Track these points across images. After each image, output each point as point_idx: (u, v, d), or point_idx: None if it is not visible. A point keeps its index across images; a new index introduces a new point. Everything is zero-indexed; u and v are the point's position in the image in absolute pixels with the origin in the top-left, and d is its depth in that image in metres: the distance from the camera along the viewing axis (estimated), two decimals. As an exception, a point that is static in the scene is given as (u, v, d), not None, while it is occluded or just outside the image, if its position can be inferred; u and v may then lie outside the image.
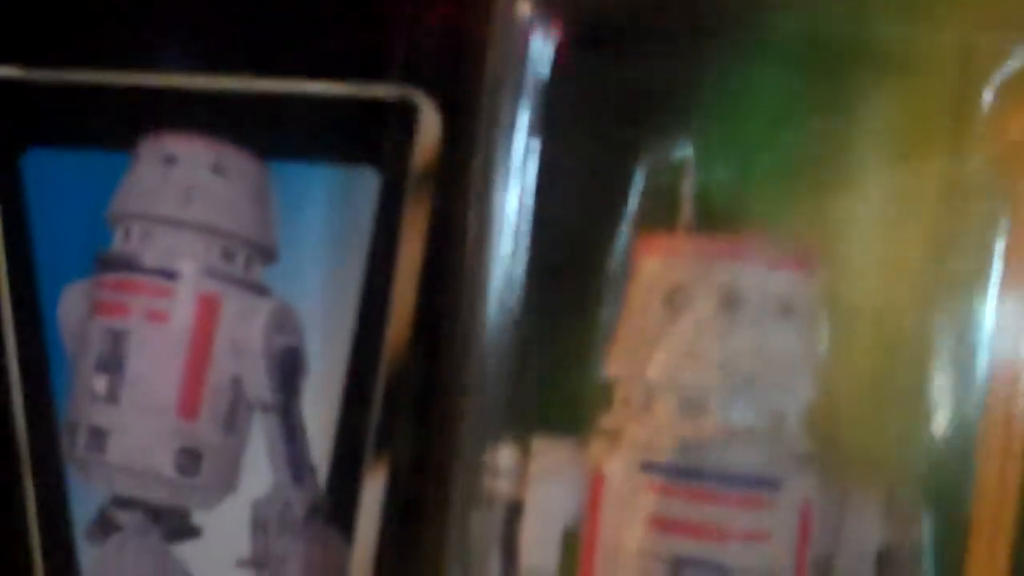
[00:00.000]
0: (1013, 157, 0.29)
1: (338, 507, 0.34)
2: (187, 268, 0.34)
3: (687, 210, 0.31)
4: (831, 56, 0.30)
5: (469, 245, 0.30)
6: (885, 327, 0.30)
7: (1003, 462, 0.29)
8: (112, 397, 0.34)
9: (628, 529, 0.29)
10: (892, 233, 0.30)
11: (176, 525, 0.34)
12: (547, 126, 0.30)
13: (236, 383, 0.34)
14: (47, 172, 0.34)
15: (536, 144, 0.30)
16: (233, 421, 0.34)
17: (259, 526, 0.34)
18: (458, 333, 0.31)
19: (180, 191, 0.33)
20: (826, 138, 0.30)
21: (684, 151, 0.31)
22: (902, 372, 0.30)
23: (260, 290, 0.34)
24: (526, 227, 0.31)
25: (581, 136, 0.30)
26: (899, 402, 0.30)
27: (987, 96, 0.29)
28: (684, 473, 0.29)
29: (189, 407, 0.34)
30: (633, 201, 0.31)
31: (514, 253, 0.30)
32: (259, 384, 0.34)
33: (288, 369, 0.34)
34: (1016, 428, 0.29)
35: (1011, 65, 0.29)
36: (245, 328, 0.34)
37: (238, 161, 0.33)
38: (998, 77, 0.29)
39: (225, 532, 0.34)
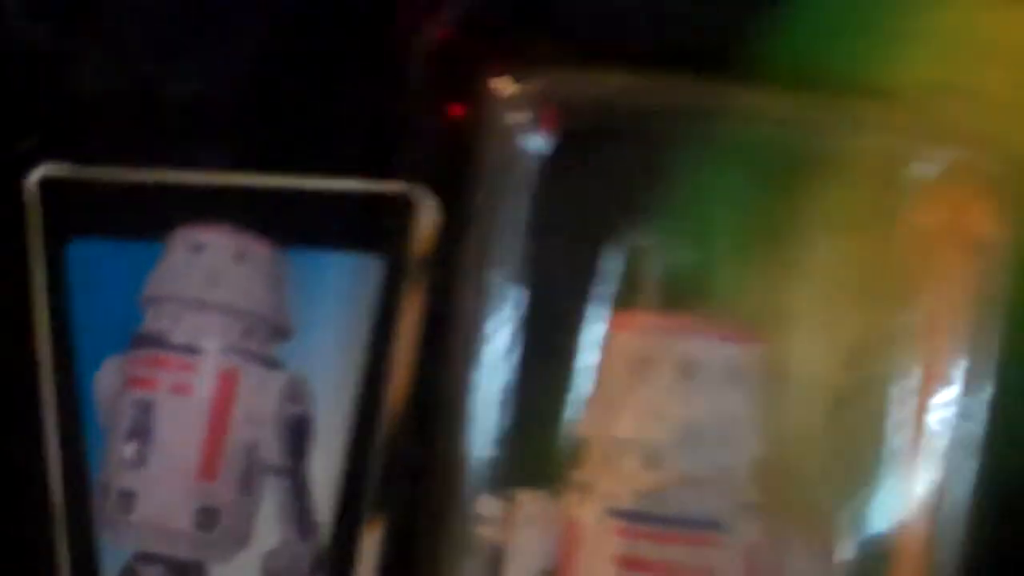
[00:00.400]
0: (926, 246, 0.33)
1: (339, 561, 0.37)
2: (210, 345, 0.38)
3: (649, 290, 0.35)
4: (778, 158, 0.34)
5: (460, 323, 0.35)
6: (824, 392, 0.34)
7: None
8: (140, 462, 0.37)
9: (597, 568, 0.33)
10: (829, 310, 0.34)
11: (195, 577, 0.38)
12: (533, 216, 0.35)
13: (251, 448, 0.38)
14: (89, 260, 0.38)
15: (521, 229, 0.35)
16: (248, 482, 0.38)
17: (269, 577, 0.38)
18: (451, 402, 0.35)
19: (206, 276, 0.38)
20: (771, 228, 0.35)
21: (650, 238, 0.35)
22: (841, 433, 0.34)
23: (274, 364, 0.38)
24: (511, 307, 0.35)
25: (563, 223, 0.35)
26: (837, 458, 0.34)
27: (905, 195, 0.33)
28: (644, 518, 0.33)
29: (209, 470, 0.37)
30: (607, 282, 0.35)
31: (499, 331, 0.35)
32: (272, 449, 0.38)
33: (298, 435, 0.38)
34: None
35: (924, 168, 0.33)
36: (261, 399, 0.38)
37: (257, 249, 0.38)
38: (914, 178, 0.33)
39: (239, 584, 0.38)
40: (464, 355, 0.34)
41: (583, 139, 0.34)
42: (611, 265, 0.35)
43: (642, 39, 0.35)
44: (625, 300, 0.35)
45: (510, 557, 0.34)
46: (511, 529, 0.34)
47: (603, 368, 0.34)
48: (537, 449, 0.35)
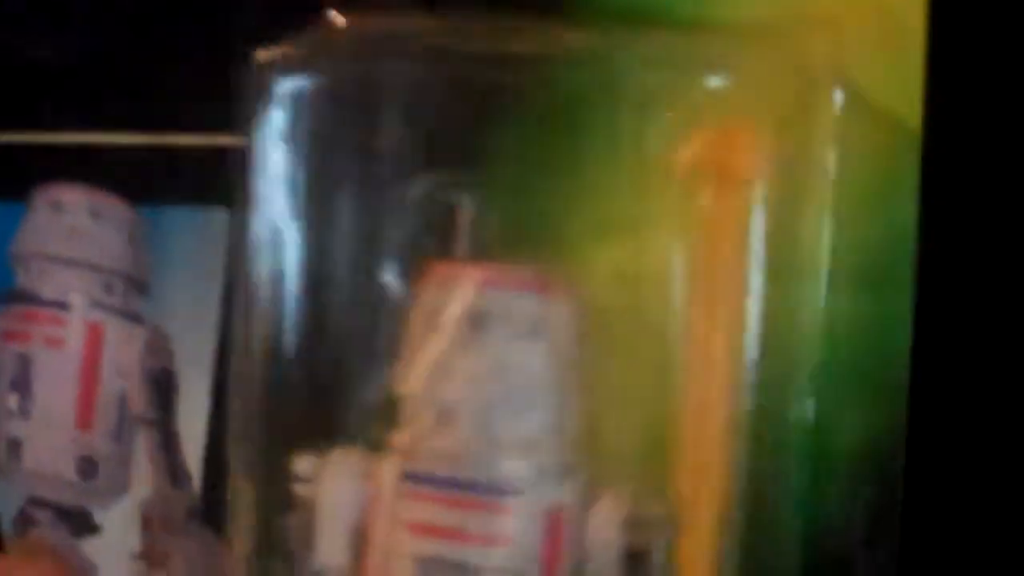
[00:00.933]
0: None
1: (212, 509, 0.38)
2: (76, 300, 0.39)
3: (462, 243, 0.34)
4: (575, 100, 0.33)
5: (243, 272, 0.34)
6: (632, 342, 0.33)
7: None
8: (23, 413, 0.39)
9: (391, 532, 0.33)
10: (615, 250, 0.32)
11: (81, 523, 0.39)
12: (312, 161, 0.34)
13: (121, 400, 0.39)
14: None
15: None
16: (121, 432, 0.39)
17: (146, 525, 0.39)
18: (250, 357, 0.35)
19: (66, 233, 0.39)
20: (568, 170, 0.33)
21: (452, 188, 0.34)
22: (647, 387, 0.33)
23: (136, 318, 0.39)
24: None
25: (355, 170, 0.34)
26: (645, 416, 0.33)
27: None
28: (436, 482, 0.32)
29: (85, 421, 0.39)
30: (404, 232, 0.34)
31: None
32: (140, 401, 0.39)
33: (163, 388, 0.39)
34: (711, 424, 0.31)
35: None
36: (126, 352, 0.39)
37: (112, 206, 0.38)
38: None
39: (120, 529, 0.39)
40: (248, 307, 0.34)
41: (377, 82, 0.33)
42: (414, 214, 0.34)
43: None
44: (432, 251, 0.34)
45: (319, 513, 0.33)
46: (321, 485, 0.33)
47: (410, 324, 0.34)
48: (358, 407, 0.34)
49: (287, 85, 0.33)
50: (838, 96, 0.31)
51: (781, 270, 0.31)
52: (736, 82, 0.31)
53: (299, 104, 0.33)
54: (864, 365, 0.32)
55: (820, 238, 0.31)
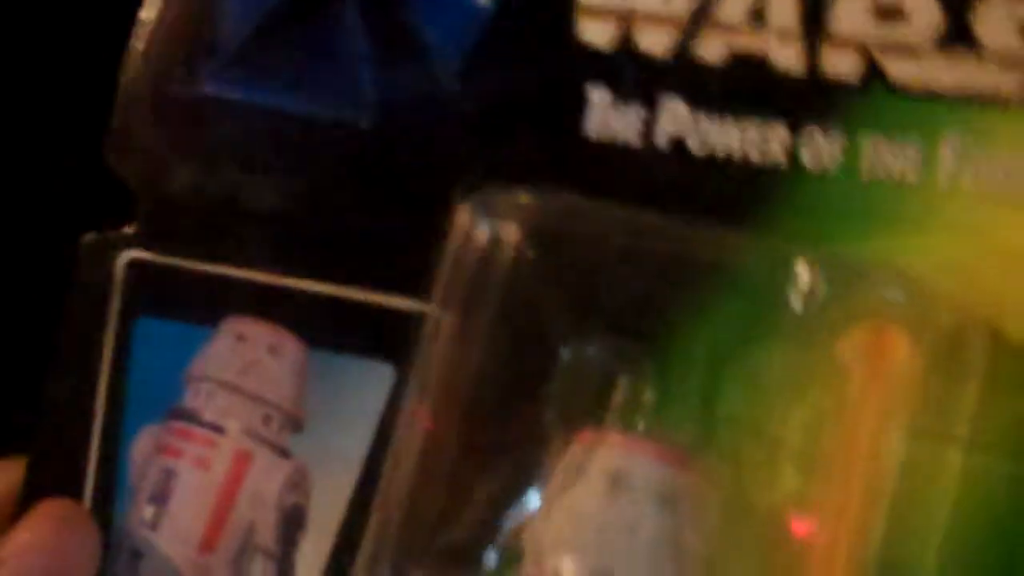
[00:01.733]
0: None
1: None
2: (233, 426, 0.41)
3: (615, 411, 0.36)
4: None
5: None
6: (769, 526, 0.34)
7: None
8: (154, 525, 0.41)
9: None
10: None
11: (182, 644, 0.40)
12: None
13: (249, 529, 0.40)
14: (150, 337, 0.43)
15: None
16: (241, 560, 0.40)
17: (249, 656, 0.40)
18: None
19: (242, 364, 0.41)
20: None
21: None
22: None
23: (284, 452, 0.41)
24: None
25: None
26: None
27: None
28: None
29: (209, 543, 0.40)
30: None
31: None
32: (267, 533, 0.40)
33: (293, 524, 0.40)
34: None
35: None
36: (266, 483, 0.40)
37: (289, 345, 0.41)
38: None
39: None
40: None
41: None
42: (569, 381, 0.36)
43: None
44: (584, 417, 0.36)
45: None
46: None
47: (552, 477, 0.35)
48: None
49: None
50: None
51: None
52: (906, 301, 0.34)
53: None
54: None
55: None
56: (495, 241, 0.37)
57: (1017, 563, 0.33)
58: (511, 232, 0.37)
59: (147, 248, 0.42)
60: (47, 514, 0.39)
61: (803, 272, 0.34)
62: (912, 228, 0.35)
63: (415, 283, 0.39)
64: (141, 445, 0.41)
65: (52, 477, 0.41)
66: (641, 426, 0.35)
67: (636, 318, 0.36)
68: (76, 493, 0.41)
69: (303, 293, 0.40)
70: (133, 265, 0.42)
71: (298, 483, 0.39)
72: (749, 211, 0.35)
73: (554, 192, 0.36)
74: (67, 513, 0.40)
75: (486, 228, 0.37)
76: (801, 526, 0.34)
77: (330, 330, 0.40)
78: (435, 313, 0.37)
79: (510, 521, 0.36)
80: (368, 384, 0.39)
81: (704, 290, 0.35)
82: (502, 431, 0.36)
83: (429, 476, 0.36)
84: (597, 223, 0.36)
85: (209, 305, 0.41)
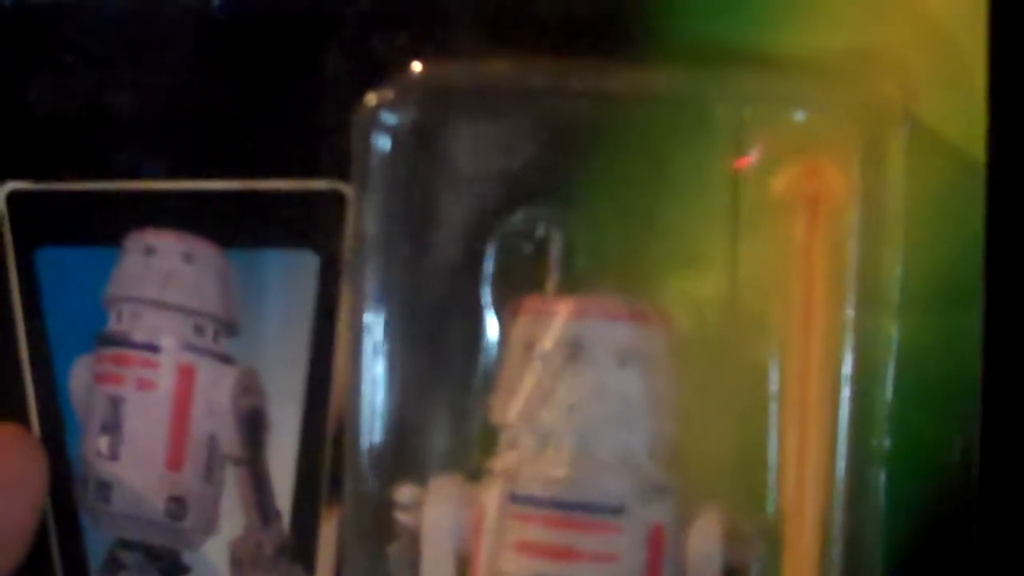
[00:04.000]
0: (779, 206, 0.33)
1: (301, 546, 0.39)
2: (168, 343, 0.40)
3: (553, 277, 0.36)
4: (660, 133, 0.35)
5: (347, 313, 0.36)
6: (726, 366, 0.34)
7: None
8: (113, 455, 0.40)
9: (498, 553, 0.34)
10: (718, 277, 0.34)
11: (170, 563, 0.40)
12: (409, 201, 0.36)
13: (212, 440, 0.40)
14: (55, 266, 0.41)
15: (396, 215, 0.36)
16: (211, 472, 0.40)
17: (236, 564, 0.40)
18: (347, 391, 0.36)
19: (159, 277, 0.40)
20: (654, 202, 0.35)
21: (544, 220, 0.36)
22: (742, 409, 0.34)
23: (226, 359, 0.40)
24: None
25: (445, 208, 0.36)
26: (736, 439, 0.34)
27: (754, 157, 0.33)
28: (542, 503, 0.34)
29: (175, 461, 0.40)
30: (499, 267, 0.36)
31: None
32: (230, 441, 0.40)
33: (253, 427, 0.40)
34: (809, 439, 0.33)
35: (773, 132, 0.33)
36: (216, 393, 0.40)
37: (204, 250, 0.40)
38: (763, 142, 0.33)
39: (209, 569, 0.40)
40: (352, 345, 0.35)
41: (462, 122, 0.35)
42: (502, 250, 0.35)
43: (542, 17, 0.35)
44: (524, 285, 0.35)
45: (424, 539, 0.34)
46: (425, 512, 0.35)
47: (503, 354, 0.35)
48: (453, 437, 0.36)
49: (385, 127, 0.35)
50: (905, 130, 0.33)
51: (864, 297, 0.33)
52: (816, 117, 0.33)
53: (398, 146, 0.35)
54: (937, 388, 0.34)
55: (892, 267, 0.33)
56: (401, 122, 0.35)
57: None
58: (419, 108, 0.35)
59: (22, 177, 0.40)
60: None
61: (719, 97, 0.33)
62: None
63: (311, 165, 0.38)
64: (77, 377, 0.40)
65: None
66: (582, 287, 0.34)
67: (555, 175, 0.35)
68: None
69: (203, 194, 0.39)
70: (14, 197, 0.40)
71: (249, 386, 0.39)
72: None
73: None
74: (9, 433, 0.39)
75: (393, 108, 0.35)
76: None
77: (241, 227, 0.39)
78: (354, 200, 0.35)
79: (473, 409, 0.36)
80: (294, 275, 0.38)
81: (621, 134, 0.34)
82: (445, 314, 0.36)
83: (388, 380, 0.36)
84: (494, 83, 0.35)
85: (107, 224, 0.39)
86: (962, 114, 0.33)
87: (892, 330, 0.33)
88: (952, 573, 0.33)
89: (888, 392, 0.33)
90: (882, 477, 0.33)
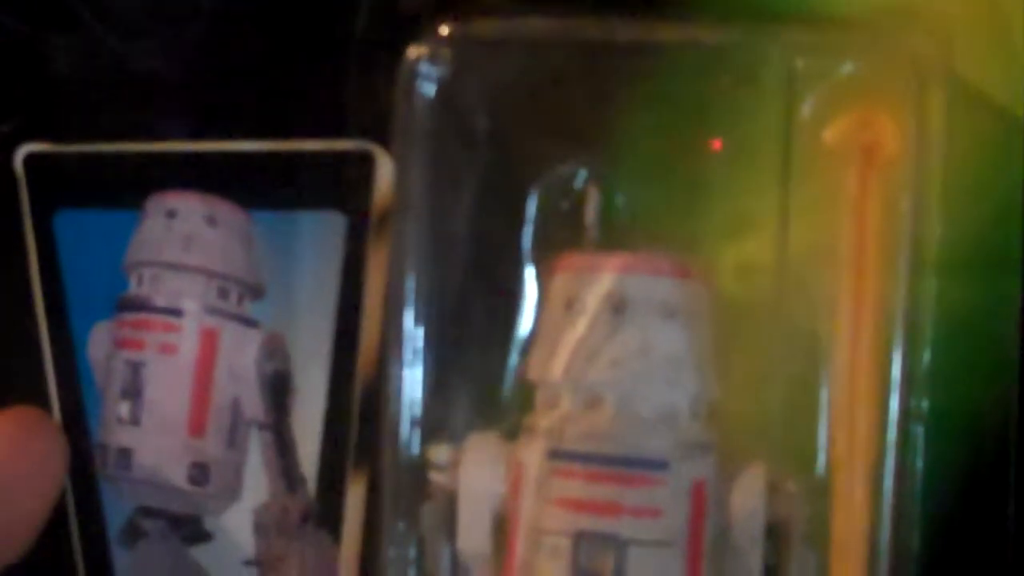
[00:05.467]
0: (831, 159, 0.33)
1: (326, 512, 0.39)
2: (190, 306, 0.39)
3: (591, 231, 0.35)
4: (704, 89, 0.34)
5: (390, 272, 0.35)
6: (769, 323, 0.34)
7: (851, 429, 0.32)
8: (134, 420, 0.39)
9: (540, 510, 0.34)
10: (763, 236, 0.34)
11: (192, 530, 0.40)
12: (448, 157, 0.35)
13: (235, 404, 0.39)
14: (74, 229, 0.40)
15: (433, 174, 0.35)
16: (234, 438, 0.39)
17: (261, 530, 0.39)
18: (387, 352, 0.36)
19: (180, 240, 0.39)
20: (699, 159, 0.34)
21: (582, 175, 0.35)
22: (785, 365, 0.34)
23: (251, 323, 0.39)
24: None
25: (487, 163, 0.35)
26: (787, 398, 0.34)
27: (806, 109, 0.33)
28: (585, 459, 0.33)
29: (197, 426, 0.39)
30: (540, 222, 0.35)
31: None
32: (254, 405, 0.39)
33: (278, 391, 0.39)
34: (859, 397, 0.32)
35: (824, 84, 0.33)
36: (240, 356, 0.39)
37: (227, 212, 0.39)
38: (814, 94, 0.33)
39: (232, 535, 0.39)
40: (393, 303, 0.35)
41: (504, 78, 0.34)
42: (542, 205, 0.35)
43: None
44: (561, 240, 0.35)
45: (461, 499, 0.34)
46: (461, 472, 0.34)
47: (541, 311, 0.35)
48: (488, 396, 0.35)
49: (421, 84, 0.35)
50: (947, 86, 0.33)
51: (914, 256, 0.33)
52: (865, 69, 0.33)
53: (434, 103, 0.34)
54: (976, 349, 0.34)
55: (935, 226, 0.33)
56: (441, 77, 0.35)
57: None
58: (455, 65, 0.35)
59: (41, 139, 0.39)
60: (11, 420, 0.38)
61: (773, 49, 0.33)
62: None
63: (339, 125, 0.37)
64: (97, 343, 0.40)
65: (11, 392, 0.39)
66: (622, 245, 0.34)
67: (599, 130, 0.35)
68: (41, 404, 0.40)
69: (227, 155, 0.38)
70: (32, 159, 0.39)
71: (273, 350, 0.38)
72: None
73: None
74: (30, 418, 0.38)
75: (429, 64, 0.35)
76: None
77: (267, 188, 0.38)
78: (397, 157, 0.35)
79: (513, 365, 0.35)
80: (321, 236, 0.38)
81: (667, 87, 0.33)
82: (482, 271, 0.35)
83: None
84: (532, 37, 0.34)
85: (127, 187, 0.39)
86: (1003, 71, 0.33)
87: (934, 290, 0.33)
88: (989, 534, 0.33)
89: (928, 352, 0.33)
90: (922, 435, 0.33)
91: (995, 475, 0.34)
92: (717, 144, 0.33)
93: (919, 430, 0.33)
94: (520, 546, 0.33)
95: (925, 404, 0.33)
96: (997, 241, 0.33)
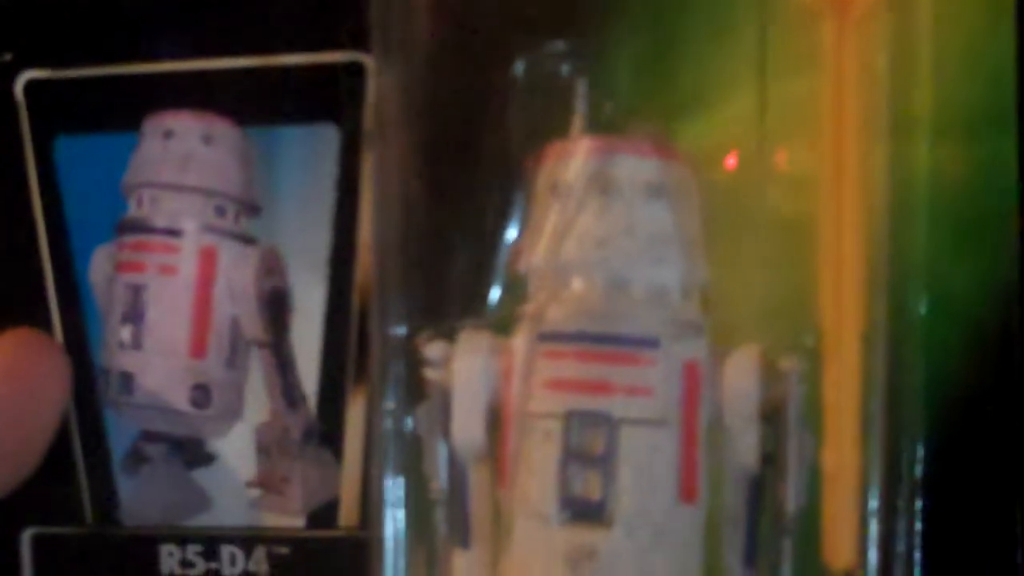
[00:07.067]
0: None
1: (328, 430, 0.38)
2: (189, 226, 0.39)
3: (578, 118, 0.35)
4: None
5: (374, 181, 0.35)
6: (757, 210, 0.33)
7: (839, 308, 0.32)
8: (136, 344, 0.39)
9: (530, 393, 0.33)
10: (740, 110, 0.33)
11: (194, 453, 0.39)
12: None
13: (235, 324, 0.39)
14: (74, 155, 0.40)
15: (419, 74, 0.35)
16: (234, 358, 0.39)
17: (263, 450, 0.39)
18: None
19: (178, 160, 0.39)
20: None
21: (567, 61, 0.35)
22: (775, 246, 0.33)
23: (248, 240, 0.39)
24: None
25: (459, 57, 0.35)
26: (769, 278, 0.33)
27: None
28: (573, 338, 0.33)
29: (198, 347, 0.39)
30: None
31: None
32: (254, 323, 0.39)
33: (277, 308, 0.39)
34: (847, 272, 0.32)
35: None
36: (239, 274, 0.39)
37: (223, 129, 0.39)
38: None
39: (235, 457, 0.39)
40: (378, 204, 0.35)
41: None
42: (525, 96, 0.35)
43: None
44: (545, 134, 0.34)
45: (455, 392, 0.34)
46: (454, 366, 0.34)
47: (528, 204, 0.34)
48: (481, 292, 0.35)
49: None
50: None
51: (897, 124, 0.32)
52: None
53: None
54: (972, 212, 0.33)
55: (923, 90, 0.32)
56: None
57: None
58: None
59: (40, 66, 0.39)
60: (12, 342, 0.38)
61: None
62: None
63: (329, 37, 0.37)
64: (98, 267, 0.40)
65: (14, 318, 0.40)
66: (607, 131, 0.34)
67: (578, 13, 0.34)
68: (44, 330, 0.40)
69: (220, 72, 0.38)
70: (31, 86, 0.39)
71: (272, 267, 0.38)
72: None
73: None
74: (31, 339, 0.38)
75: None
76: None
77: (260, 103, 0.38)
78: (377, 63, 0.35)
79: (502, 254, 0.35)
80: (315, 150, 0.38)
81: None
82: (469, 162, 0.35)
83: (414, 231, 0.35)
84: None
85: (125, 109, 0.39)
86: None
87: (925, 159, 0.32)
88: (990, 396, 0.32)
89: (922, 223, 0.32)
90: (921, 308, 0.32)
91: (998, 344, 0.33)
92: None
93: (915, 303, 0.32)
94: (511, 433, 0.33)
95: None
96: (989, 107, 0.32)
